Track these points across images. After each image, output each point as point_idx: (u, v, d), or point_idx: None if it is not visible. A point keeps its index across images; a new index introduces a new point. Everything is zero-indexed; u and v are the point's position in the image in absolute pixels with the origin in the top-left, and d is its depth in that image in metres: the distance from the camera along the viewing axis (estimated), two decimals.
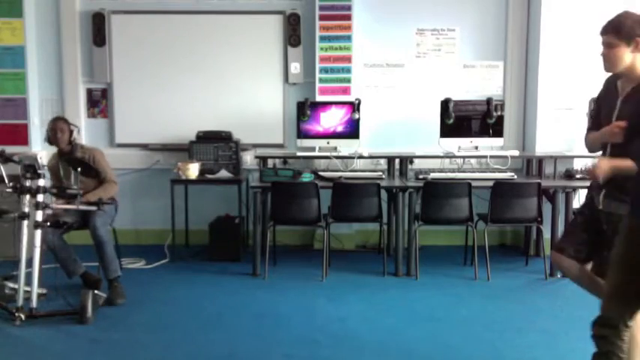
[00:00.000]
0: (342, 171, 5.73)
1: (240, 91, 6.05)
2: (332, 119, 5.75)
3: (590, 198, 3.05)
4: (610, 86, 2.97)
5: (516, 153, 5.74)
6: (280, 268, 5.41)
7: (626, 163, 2.63)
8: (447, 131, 5.65)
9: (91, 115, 6.15)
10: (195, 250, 5.87)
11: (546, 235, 5.31)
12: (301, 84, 6.06)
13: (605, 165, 2.72)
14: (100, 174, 4.72)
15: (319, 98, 5.91)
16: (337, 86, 5.98)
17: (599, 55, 2.88)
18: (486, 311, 4.37)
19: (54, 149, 4.92)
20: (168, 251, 5.78)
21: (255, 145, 6.04)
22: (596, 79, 5.40)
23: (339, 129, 5.75)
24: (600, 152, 3.01)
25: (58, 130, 4.71)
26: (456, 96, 5.72)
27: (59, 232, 4.51)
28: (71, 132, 4.77)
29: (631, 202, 2.49)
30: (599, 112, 3.02)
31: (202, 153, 5.77)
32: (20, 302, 4.00)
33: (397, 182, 5.46)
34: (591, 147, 3.09)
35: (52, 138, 4.72)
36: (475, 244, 5.15)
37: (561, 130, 5.72)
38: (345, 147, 5.78)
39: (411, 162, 5.91)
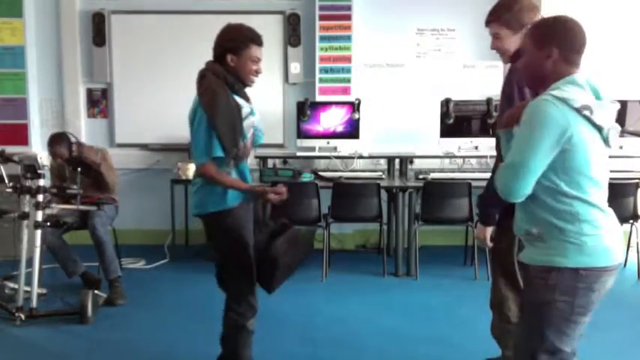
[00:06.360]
0: (342, 171, 5.73)
1: None
2: (332, 119, 5.75)
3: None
4: None
5: None
6: None
7: None
8: (447, 131, 5.65)
9: (91, 115, 6.15)
10: (195, 250, 5.87)
11: None
12: (301, 84, 6.06)
13: None
14: (100, 175, 4.72)
15: (319, 98, 5.91)
16: (337, 86, 5.98)
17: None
18: (486, 311, 4.35)
19: None
20: (168, 251, 5.78)
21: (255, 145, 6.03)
22: (596, 78, 5.46)
23: (339, 129, 5.75)
24: None
25: (57, 156, 4.64)
26: (456, 96, 5.72)
27: (59, 232, 4.51)
28: (70, 146, 4.69)
29: None
30: None
31: None
32: (20, 302, 4.00)
33: (397, 182, 5.46)
34: None
35: (54, 160, 4.72)
36: (475, 244, 5.15)
37: None
38: (345, 147, 5.78)
39: (411, 162, 5.91)
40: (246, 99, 3.00)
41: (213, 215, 2.91)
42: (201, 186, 2.93)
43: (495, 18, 2.77)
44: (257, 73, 2.93)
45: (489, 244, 2.84)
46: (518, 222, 2.21)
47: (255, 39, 2.91)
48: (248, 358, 3.05)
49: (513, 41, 2.73)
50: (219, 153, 2.82)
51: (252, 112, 2.95)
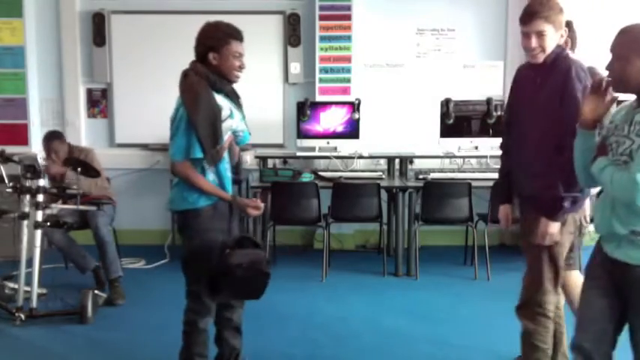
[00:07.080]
0: (342, 171, 5.73)
1: (239, 90, 6.02)
2: (332, 119, 5.75)
3: None
4: None
5: None
6: (280, 268, 5.40)
7: None
8: (447, 131, 5.65)
9: (91, 115, 6.15)
10: None
11: None
12: (301, 84, 6.06)
13: None
14: (99, 173, 4.72)
15: (319, 98, 5.91)
16: (337, 86, 5.98)
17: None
18: (486, 311, 4.37)
19: None
20: (168, 251, 5.78)
21: (255, 145, 6.03)
22: None
23: (339, 129, 5.75)
24: None
25: (52, 151, 4.70)
26: (456, 96, 5.72)
27: (62, 231, 4.51)
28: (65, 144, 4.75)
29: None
30: None
31: None
32: (20, 302, 4.00)
33: (397, 182, 5.46)
34: None
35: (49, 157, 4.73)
36: (475, 244, 5.15)
37: None
38: (345, 147, 5.78)
39: (411, 162, 5.91)
40: (235, 95, 3.00)
41: (182, 213, 2.93)
42: (176, 183, 2.95)
43: (542, 15, 2.70)
44: (240, 68, 2.94)
45: (555, 239, 2.76)
46: (618, 221, 2.23)
47: (235, 34, 2.92)
48: (200, 355, 3.06)
49: (554, 40, 2.71)
50: (198, 154, 2.80)
51: (231, 115, 2.92)
